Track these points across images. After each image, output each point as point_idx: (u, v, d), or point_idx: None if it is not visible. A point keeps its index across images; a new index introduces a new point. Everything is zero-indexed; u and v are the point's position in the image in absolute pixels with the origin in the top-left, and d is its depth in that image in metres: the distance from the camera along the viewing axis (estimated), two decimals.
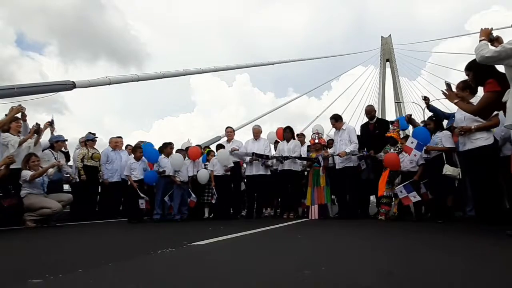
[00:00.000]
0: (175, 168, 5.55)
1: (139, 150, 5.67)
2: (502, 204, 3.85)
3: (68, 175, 5.89)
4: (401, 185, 4.51)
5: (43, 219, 4.59)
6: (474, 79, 3.13)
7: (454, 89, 3.59)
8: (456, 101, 3.35)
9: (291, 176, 5.92)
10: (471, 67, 3.10)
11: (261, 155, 5.87)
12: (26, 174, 4.54)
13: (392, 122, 5.60)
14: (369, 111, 6.00)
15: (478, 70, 2.99)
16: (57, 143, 5.80)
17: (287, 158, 5.86)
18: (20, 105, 4.84)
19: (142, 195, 5.28)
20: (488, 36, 2.82)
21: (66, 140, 6.10)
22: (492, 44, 2.81)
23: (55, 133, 5.80)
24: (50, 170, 4.86)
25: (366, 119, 6.10)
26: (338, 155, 5.35)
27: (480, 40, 2.79)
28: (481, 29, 2.87)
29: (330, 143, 6.13)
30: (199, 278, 1.41)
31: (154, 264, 1.73)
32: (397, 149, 4.85)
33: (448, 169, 4.02)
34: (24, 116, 5.02)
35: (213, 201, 5.76)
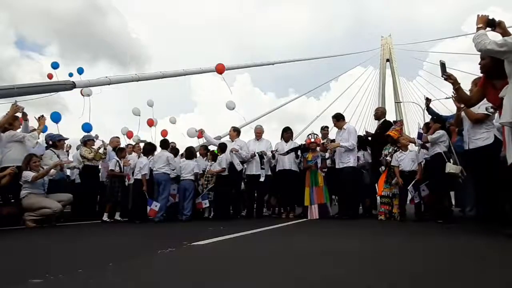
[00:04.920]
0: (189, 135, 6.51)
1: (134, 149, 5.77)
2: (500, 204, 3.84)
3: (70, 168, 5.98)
4: (410, 185, 4.50)
5: (43, 219, 4.58)
6: (488, 65, 2.80)
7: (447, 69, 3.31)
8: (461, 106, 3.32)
9: (291, 175, 5.91)
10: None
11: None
12: (28, 175, 4.51)
13: (395, 122, 5.63)
14: (375, 112, 6.12)
15: (497, 60, 2.62)
16: (59, 142, 5.78)
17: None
18: (19, 104, 4.78)
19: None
20: (485, 23, 2.63)
21: (67, 139, 6.17)
22: (494, 30, 2.64)
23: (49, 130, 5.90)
24: (53, 170, 4.86)
25: (367, 119, 6.20)
26: (328, 144, 5.51)
27: (478, 28, 2.60)
28: (478, 15, 2.67)
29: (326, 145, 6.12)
30: (199, 278, 1.41)
31: (154, 264, 1.73)
32: (396, 148, 4.84)
33: (451, 168, 3.99)
34: (25, 115, 4.99)
35: (205, 206, 5.71)
